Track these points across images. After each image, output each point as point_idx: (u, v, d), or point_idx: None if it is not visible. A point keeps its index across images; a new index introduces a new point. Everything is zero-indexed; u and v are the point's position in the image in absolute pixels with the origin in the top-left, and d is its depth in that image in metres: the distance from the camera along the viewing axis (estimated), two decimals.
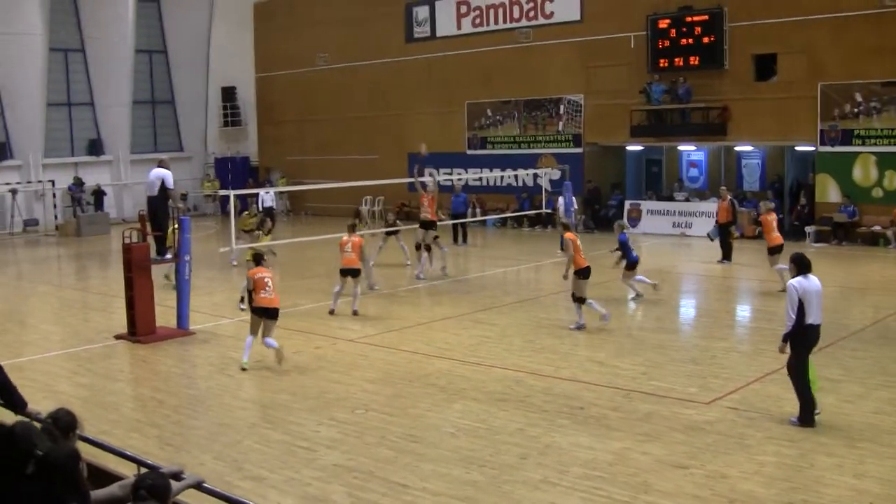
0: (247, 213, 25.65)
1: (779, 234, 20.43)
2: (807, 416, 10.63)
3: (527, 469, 9.50)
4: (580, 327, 16.31)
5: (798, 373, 10.76)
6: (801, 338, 10.68)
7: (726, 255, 24.30)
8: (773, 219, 20.57)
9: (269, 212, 29.79)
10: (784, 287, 19.20)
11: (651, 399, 11.91)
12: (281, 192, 41.12)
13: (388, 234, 24.95)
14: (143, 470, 6.38)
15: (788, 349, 10.76)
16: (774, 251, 20.12)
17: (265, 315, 14.14)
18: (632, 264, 19.19)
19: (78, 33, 42.75)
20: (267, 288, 14.05)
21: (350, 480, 9.27)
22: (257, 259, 14.58)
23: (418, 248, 22.55)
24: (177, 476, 6.12)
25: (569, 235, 16.78)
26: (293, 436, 10.70)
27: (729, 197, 24.86)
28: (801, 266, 10.80)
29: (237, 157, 46.74)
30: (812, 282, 10.71)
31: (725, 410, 11.33)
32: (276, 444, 10.41)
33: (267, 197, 31.03)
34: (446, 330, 16.61)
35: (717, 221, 25.26)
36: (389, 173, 34.57)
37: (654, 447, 10.04)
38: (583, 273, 16.48)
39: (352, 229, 18.89)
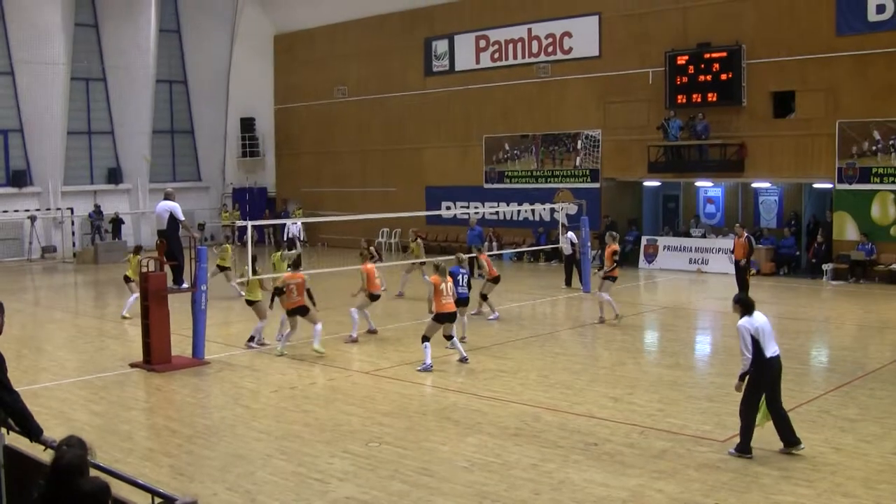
0: (226, 245, 26.12)
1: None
2: (745, 445, 10.88)
3: None
4: (426, 369, 16.05)
5: (748, 403, 10.98)
6: (762, 371, 10.90)
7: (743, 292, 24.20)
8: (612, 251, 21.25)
9: (291, 243, 30.05)
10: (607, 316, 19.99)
11: (666, 436, 11.85)
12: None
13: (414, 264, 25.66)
14: (157, 500, 6.36)
15: (743, 387, 11.00)
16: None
17: (298, 313, 17.48)
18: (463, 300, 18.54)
19: (100, 63, 43.20)
20: (292, 295, 17.29)
21: None
22: (296, 264, 17.33)
23: (485, 298, 22.25)
24: None
25: (432, 279, 16.73)
26: (307, 467, 10.69)
27: (745, 234, 24.80)
28: (746, 307, 11.09)
29: (255, 187, 46.96)
30: (759, 318, 11.01)
31: None
32: (289, 476, 10.39)
33: (293, 228, 31.15)
34: (461, 363, 16.58)
35: (734, 257, 25.16)
36: (407, 206, 34.78)
37: (668, 485, 9.98)
38: (438, 316, 16.52)
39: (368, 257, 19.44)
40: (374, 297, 19.19)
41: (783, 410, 11.13)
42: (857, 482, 9.98)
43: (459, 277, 18.42)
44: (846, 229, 28.34)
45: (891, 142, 27.11)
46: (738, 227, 25.10)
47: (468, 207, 36.15)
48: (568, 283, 27.16)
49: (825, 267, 28.40)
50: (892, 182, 27.25)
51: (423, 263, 25.51)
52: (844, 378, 15.05)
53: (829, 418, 12.57)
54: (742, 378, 10.93)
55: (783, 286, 27.24)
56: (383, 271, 26.19)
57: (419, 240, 26.91)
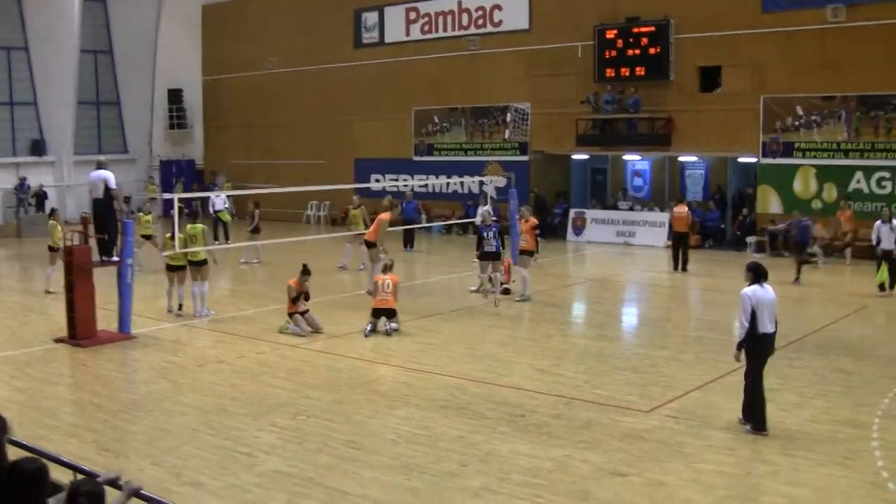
0: (141, 213, 25.84)
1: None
2: (760, 422, 10.78)
3: (467, 476, 9.51)
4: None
5: (753, 376, 10.89)
6: (754, 346, 10.81)
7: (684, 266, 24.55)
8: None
9: (219, 214, 29.82)
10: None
11: (592, 407, 11.98)
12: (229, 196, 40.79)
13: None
14: (80, 476, 6.28)
15: (743, 357, 10.89)
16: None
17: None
18: None
19: (22, 32, 42.14)
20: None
21: (290, 487, 9.23)
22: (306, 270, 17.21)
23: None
24: (114, 483, 6.01)
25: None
26: (234, 441, 10.63)
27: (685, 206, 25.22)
28: (758, 275, 10.96)
29: (182, 159, 46.34)
30: (767, 291, 10.86)
31: (665, 419, 11.43)
32: (215, 450, 10.33)
33: (218, 201, 30.68)
34: (390, 336, 16.59)
35: (673, 230, 25.39)
36: (336, 179, 34.56)
37: (593, 455, 10.11)
38: (374, 312, 17.04)
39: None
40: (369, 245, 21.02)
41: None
42: (775, 450, 10.20)
43: (486, 233, 19.22)
44: (770, 203, 28.82)
45: (813, 117, 27.61)
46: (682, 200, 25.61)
47: (397, 180, 36.07)
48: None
49: (749, 240, 28.91)
50: (814, 157, 27.76)
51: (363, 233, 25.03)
52: None
53: None
54: (739, 348, 10.86)
55: (708, 258, 27.64)
56: (318, 244, 26.13)
57: (363, 207, 25.92)
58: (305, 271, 17.18)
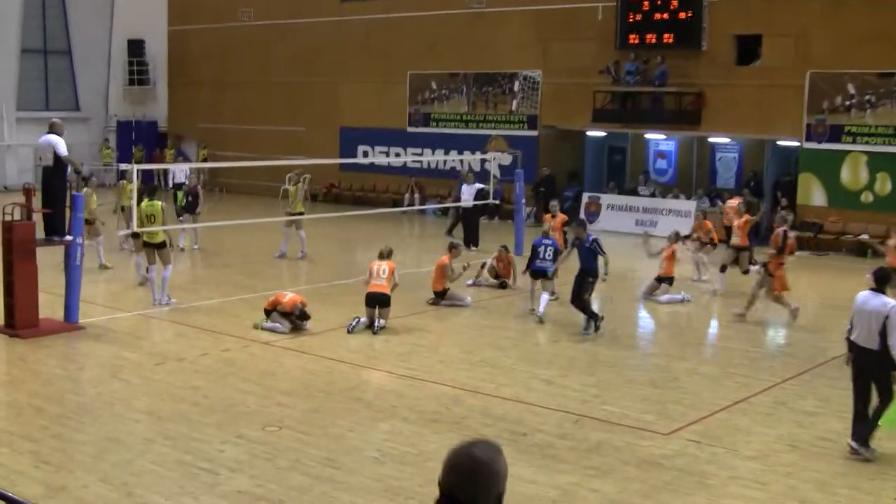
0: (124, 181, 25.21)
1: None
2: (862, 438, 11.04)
3: None
4: None
5: (853, 388, 11.24)
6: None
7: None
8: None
9: (179, 188, 29.35)
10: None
11: (603, 426, 11.98)
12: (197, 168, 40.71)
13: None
14: None
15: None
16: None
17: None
18: None
19: None
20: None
21: None
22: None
23: (723, 269, 21.95)
24: None
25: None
26: (194, 455, 10.60)
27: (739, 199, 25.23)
28: (877, 282, 11.23)
29: (143, 120, 46.19)
30: (864, 297, 11.11)
31: (686, 443, 11.42)
32: (173, 465, 10.30)
33: (179, 172, 30.46)
34: (376, 335, 16.57)
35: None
36: (318, 148, 34.45)
37: (604, 484, 10.11)
38: (366, 299, 17.11)
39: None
40: None
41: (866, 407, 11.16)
42: (813, 486, 10.20)
43: (540, 249, 18.96)
44: (812, 193, 28.77)
45: (867, 97, 27.50)
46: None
47: (388, 154, 36.03)
48: (472, 242, 26.97)
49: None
50: (866, 142, 27.67)
51: (301, 214, 24.85)
52: (804, 365, 15.35)
53: (785, 411, 12.81)
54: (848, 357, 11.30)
55: None
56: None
57: (302, 182, 25.41)
58: (303, 316, 16.83)
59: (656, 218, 31.38)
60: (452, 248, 19.87)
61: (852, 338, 11.08)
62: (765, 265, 18.76)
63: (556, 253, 19.16)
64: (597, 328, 17.12)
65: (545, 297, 18.57)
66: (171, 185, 29.92)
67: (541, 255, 18.86)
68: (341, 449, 10.97)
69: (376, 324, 16.74)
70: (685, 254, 22.85)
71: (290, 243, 24.74)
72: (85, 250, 21.19)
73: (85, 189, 21.76)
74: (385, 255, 17.52)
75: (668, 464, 10.74)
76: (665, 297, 20.36)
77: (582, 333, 17.04)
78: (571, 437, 11.60)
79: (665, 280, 20.57)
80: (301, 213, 24.74)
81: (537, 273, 18.77)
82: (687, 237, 22.60)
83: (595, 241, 17.69)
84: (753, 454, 11.05)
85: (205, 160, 39.81)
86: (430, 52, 36.22)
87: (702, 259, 23.05)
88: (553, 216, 21.28)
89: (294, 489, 9.74)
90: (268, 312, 16.87)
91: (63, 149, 16.87)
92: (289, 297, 16.91)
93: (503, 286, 21.02)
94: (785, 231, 18.99)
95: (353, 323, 16.80)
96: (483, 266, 21.57)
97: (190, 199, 25.48)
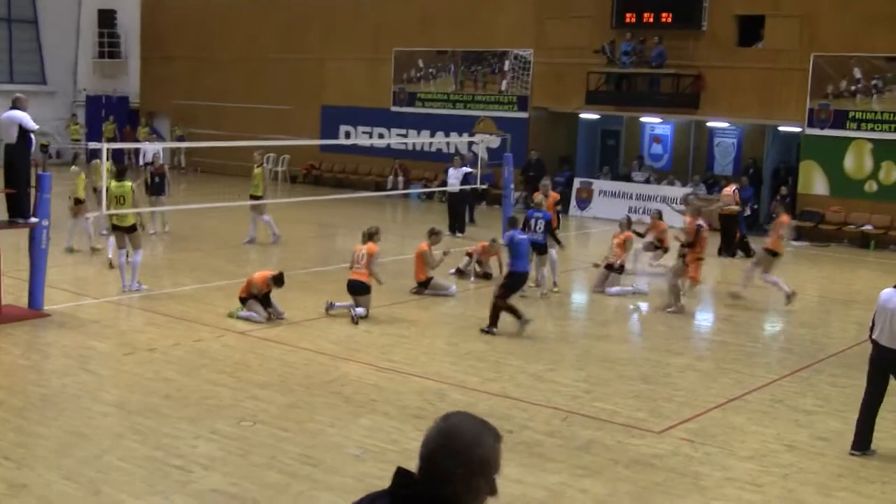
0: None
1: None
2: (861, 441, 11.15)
3: None
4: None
5: (866, 388, 11.35)
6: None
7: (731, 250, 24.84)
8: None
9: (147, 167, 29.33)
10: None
11: (593, 424, 11.98)
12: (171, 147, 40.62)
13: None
14: None
15: None
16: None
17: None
18: None
19: None
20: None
21: None
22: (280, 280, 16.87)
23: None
24: None
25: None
26: (165, 451, 10.56)
27: (735, 186, 25.29)
28: None
29: (113, 96, 46.02)
30: (889, 295, 11.07)
31: (679, 442, 11.43)
32: (143, 462, 10.26)
33: (149, 151, 30.37)
34: (356, 325, 16.55)
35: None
36: (299, 128, 34.36)
37: (594, 484, 10.11)
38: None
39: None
40: None
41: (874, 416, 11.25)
42: (812, 488, 10.22)
43: (532, 222, 19.08)
44: (814, 181, 28.81)
45: (874, 82, 27.51)
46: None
47: (371, 134, 35.96)
48: (457, 228, 27.14)
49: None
50: (872, 129, 27.71)
51: (260, 198, 24.46)
52: (802, 361, 15.37)
53: (782, 409, 12.83)
54: None
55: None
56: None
57: (266, 163, 25.22)
58: (279, 281, 16.87)
59: (651, 205, 31.34)
60: (432, 234, 19.81)
61: (874, 336, 11.09)
62: (682, 256, 18.89)
63: (548, 225, 19.21)
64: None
65: (545, 272, 18.70)
66: (141, 163, 29.79)
67: (532, 228, 18.84)
68: (320, 445, 10.95)
69: (353, 313, 16.71)
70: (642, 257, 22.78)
71: (258, 227, 24.67)
72: (74, 230, 21.36)
73: (73, 167, 21.75)
74: (366, 236, 17.45)
75: (661, 464, 10.74)
76: (614, 290, 20.22)
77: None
78: (560, 434, 11.60)
79: (615, 269, 20.41)
80: (260, 197, 24.47)
81: (533, 246, 18.74)
82: (639, 234, 22.43)
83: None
84: (749, 454, 11.06)
85: (180, 138, 39.72)
86: (418, 28, 36.12)
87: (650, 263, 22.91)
88: (545, 196, 21.17)
89: (270, 488, 9.72)
90: (243, 301, 16.82)
91: (32, 123, 16.70)
92: (257, 274, 16.96)
93: (487, 276, 20.97)
94: (699, 225, 18.95)
95: (331, 303, 17.09)
96: (471, 258, 21.39)
97: (157, 179, 25.23)
